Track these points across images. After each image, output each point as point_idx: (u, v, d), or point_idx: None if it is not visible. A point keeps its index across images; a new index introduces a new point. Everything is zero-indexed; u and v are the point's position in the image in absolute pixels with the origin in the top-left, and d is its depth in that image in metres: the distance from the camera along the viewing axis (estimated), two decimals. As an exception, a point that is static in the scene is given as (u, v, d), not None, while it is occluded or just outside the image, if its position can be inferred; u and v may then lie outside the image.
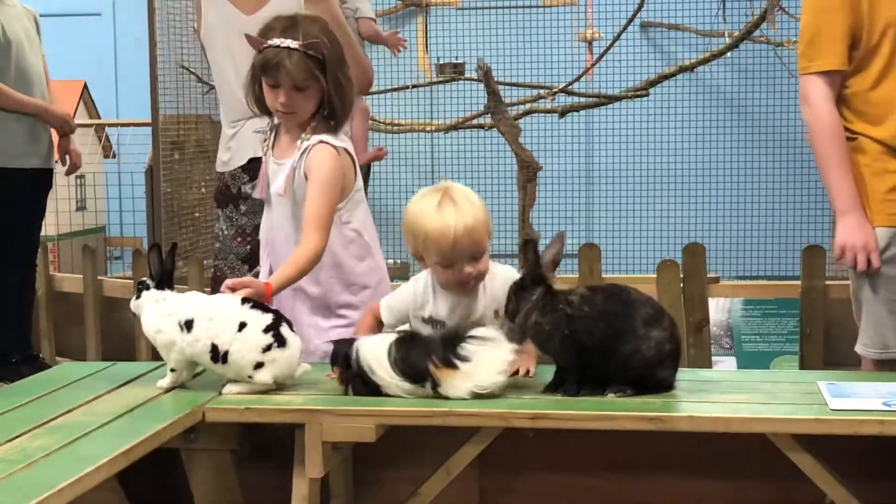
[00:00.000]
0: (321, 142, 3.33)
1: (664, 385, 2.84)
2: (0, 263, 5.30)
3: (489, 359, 2.83)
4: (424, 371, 2.82)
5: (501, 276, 3.15)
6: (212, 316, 2.92)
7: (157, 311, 2.99)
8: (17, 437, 2.55)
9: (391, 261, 7.25)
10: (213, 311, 2.93)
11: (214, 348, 2.90)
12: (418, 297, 3.21)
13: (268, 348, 2.89)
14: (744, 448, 2.93)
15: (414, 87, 7.31)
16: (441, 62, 7.22)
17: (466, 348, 2.83)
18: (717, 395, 2.84)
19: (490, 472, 3.11)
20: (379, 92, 7.25)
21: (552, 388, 2.89)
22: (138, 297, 3.04)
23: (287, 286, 3.26)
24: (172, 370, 2.99)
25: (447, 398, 2.80)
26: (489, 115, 6.53)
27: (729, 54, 6.77)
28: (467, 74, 7.09)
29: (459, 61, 7.13)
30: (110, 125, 7.99)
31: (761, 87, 7.44)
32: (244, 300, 2.95)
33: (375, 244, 3.55)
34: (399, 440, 2.96)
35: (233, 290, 3.01)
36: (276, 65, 3.27)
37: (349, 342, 2.94)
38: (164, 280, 3.04)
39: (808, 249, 5.06)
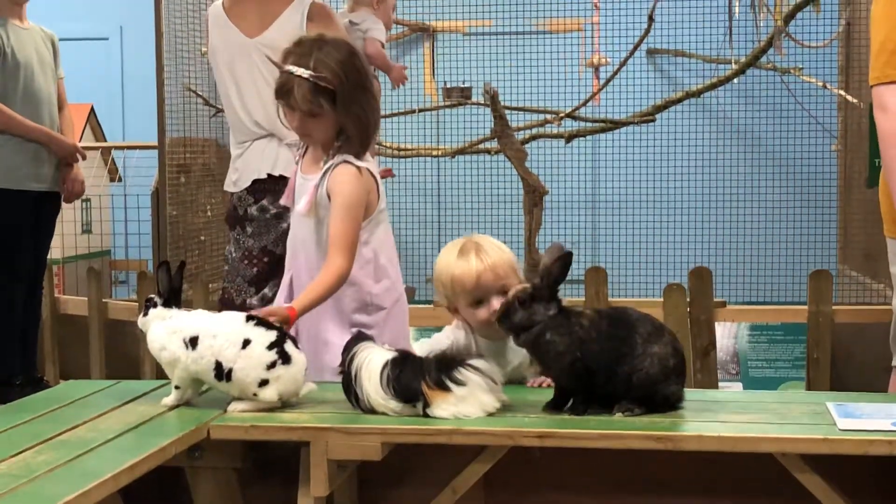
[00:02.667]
0: (344, 162, 3.33)
1: (672, 401, 2.83)
2: (5, 286, 5.29)
3: (479, 398, 2.83)
4: (417, 391, 2.80)
5: None
6: (216, 333, 2.91)
7: (163, 329, 2.99)
8: (20, 452, 2.54)
9: (398, 285, 7.23)
10: (217, 328, 2.93)
11: (219, 365, 2.89)
12: (459, 343, 3.18)
13: (272, 365, 2.87)
14: (752, 468, 2.90)
15: (420, 111, 7.31)
16: (448, 86, 7.22)
17: (463, 373, 2.82)
18: (725, 415, 2.83)
19: (496, 492, 3.09)
20: (385, 116, 7.24)
21: (552, 406, 2.88)
22: (145, 314, 3.03)
23: (311, 309, 3.26)
24: (177, 387, 2.98)
25: (435, 419, 2.79)
26: (496, 140, 6.53)
27: (735, 80, 6.77)
28: (474, 99, 7.10)
29: (466, 86, 7.14)
30: (116, 148, 8.01)
31: (768, 114, 7.45)
32: (249, 317, 2.95)
33: (394, 265, 3.55)
34: (405, 458, 2.95)
35: None
36: (287, 91, 3.30)
37: (358, 338, 2.94)
38: (172, 298, 3.03)
39: (815, 274, 5.06)
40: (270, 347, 2.89)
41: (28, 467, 2.41)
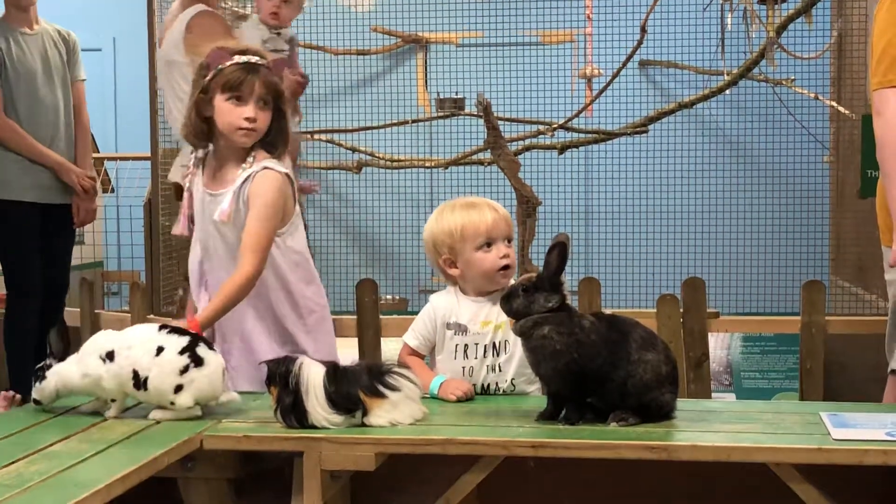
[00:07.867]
0: (266, 168, 3.33)
1: (666, 410, 2.83)
2: (14, 303, 5.22)
3: (409, 404, 2.86)
4: (356, 399, 2.81)
5: None
6: (131, 344, 2.94)
7: (71, 363, 3.01)
8: (13, 462, 2.53)
9: (389, 297, 7.23)
10: (131, 339, 2.96)
11: (135, 374, 2.91)
12: (442, 308, 3.30)
13: (185, 370, 2.89)
14: (746, 478, 2.90)
15: (413, 122, 7.31)
16: (441, 97, 7.22)
17: (395, 378, 2.86)
18: (719, 424, 2.83)
19: (490, 503, 3.08)
20: (378, 127, 7.26)
21: (546, 416, 2.87)
22: (44, 379, 3.03)
23: (217, 319, 3.28)
24: (113, 400, 2.99)
25: (371, 427, 2.81)
26: (489, 151, 6.53)
27: (728, 92, 6.78)
28: (467, 110, 7.10)
29: (459, 97, 7.14)
30: (109, 159, 7.99)
31: (760, 125, 7.45)
32: (162, 326, 2.98)
33: (314, 269, 3.57)
34: (398, 469, 2.94)
35: None
36: (243, 80, 3.28)
37: (289, 360, 2.88)
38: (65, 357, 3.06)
39: (808, 285, 5.05)
40: (182, 352, 2.91)
41: (20, 477, 2.40)
